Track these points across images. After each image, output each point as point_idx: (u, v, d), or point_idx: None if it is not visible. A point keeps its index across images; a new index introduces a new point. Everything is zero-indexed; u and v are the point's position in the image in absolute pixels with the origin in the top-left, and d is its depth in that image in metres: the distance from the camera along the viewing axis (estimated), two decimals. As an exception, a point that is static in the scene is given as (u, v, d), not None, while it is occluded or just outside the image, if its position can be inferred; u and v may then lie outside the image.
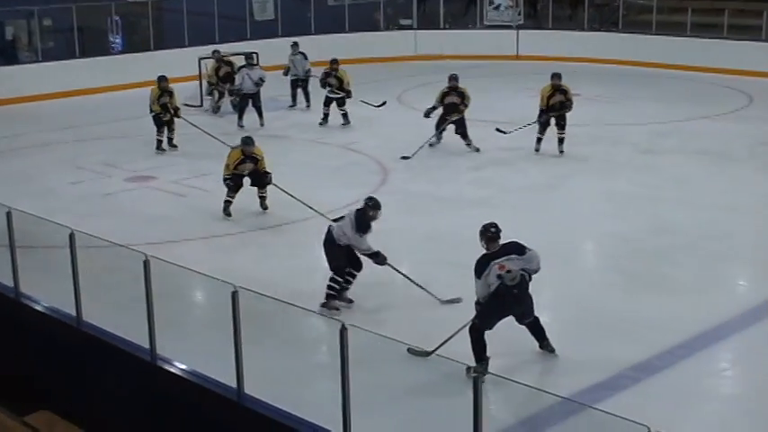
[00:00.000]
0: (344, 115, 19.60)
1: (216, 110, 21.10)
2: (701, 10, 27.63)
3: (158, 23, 26.43)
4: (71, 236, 8.79)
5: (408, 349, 8.52)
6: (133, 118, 20.61)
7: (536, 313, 8.98)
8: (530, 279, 8.79)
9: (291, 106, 21.56)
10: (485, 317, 8.67)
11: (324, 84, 19.72)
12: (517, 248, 8.79)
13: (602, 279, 10.38)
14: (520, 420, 7.45)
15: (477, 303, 8.78)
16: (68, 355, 9.35)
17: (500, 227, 8.91)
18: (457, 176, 15.75)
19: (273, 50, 22.35)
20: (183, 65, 22.59)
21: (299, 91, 21.53)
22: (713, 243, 12.37)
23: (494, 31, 28.88)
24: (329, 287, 10.29)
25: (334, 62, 19.78)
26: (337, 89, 19.55)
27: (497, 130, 17.16)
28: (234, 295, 7.37)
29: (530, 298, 8.82)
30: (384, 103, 19.77)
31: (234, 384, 7.60)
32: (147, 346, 8.38)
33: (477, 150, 17.14)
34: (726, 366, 9.39)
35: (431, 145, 17.34)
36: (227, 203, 13.73)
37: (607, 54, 27.27)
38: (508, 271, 8.61)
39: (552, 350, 9.04)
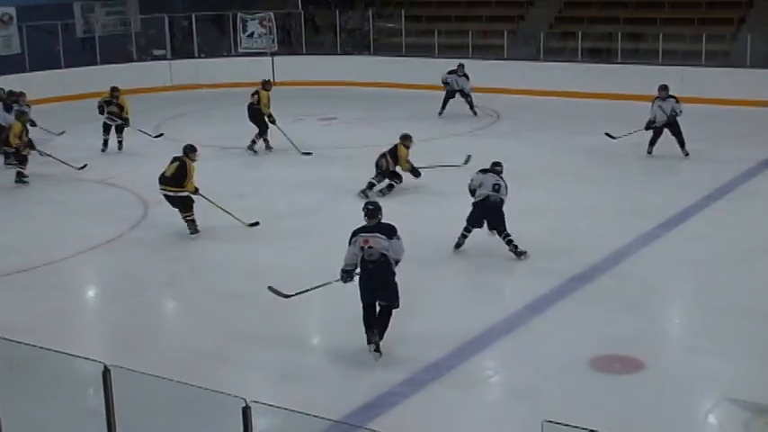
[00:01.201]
0: (120, 142, 19.83)
1: None
2: (448, 32, 28.83)
3: None
4: None
5: (269, 287, 10.27)
6: None
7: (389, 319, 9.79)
8: (395, 264, 9.67)
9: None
10: (360, 290, 9.75)
11: (102, 110, 19.72)
12: (387, 231, 9.66)
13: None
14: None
15: (343, 270, 9.88)
16: None
17: (378, 206, 9.92)
18: (223, 205, 15.60)
19: (21, 86, 21.45)
20: None
21: None
22: (472, 253, 12.89)
23: (249, 59, 28.97)
24: (512, 241, 12.48)
25: (115, 90, 19.87)
26: (116, 116, 19.66)
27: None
28: (-12, 345, 7.07)
29: (391, 283, 9.69)
30: (161, 135, 19.82)
31: (-6, 440, 7.26)
32: None
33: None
34: (491, 374, 9.77)
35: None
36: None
37: (361, 77, 27.94)
38: (370, 247, 9.56)
39: (378, 351, 9.65)
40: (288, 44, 30.59)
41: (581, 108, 23.90)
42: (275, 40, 29.44)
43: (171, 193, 13.98)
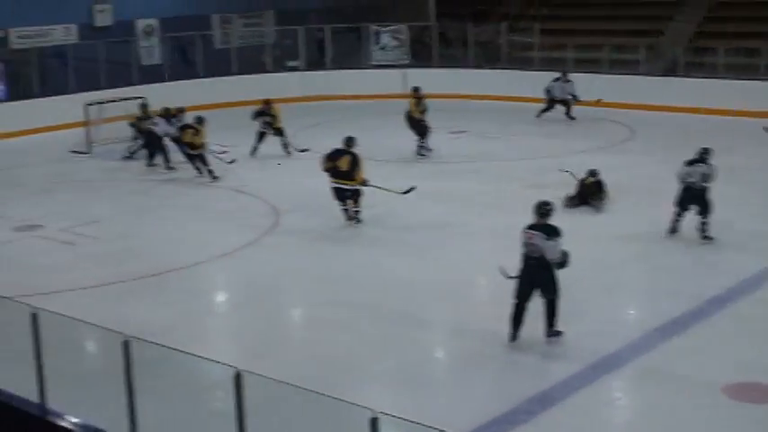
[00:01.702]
0: (285, 146, 20.66)
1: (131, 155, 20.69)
2: (582, 46, 28.41)
3: (43, 70, 25.87)
4: (-47, 289, 8.52)
5: (500, 267, 10.28)
6: (19, 166, 20.23)
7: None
8: (559, 266, 10.02)
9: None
10: (517, 283, 10.12)
11: (258, 117, 20.57)
12: (547, 231, 9.98)
13: (497, 312, 10.51)
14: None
15: None
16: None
17: (552, 208, 10.27)
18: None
19: (161, 95, 22.07)
20: (69, 112, 22.24)
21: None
22: (604, 274, 12.64)
23: (381, 71, 29.14)
24: (707, 226, 13.54)
25: (269, 101, 20.71)
26: (269, 125, 20.49)
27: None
28: (125, 345, 7.23)
29: (551, 279, 10.05)
30: (307, 149, 19.79)
31: (128, 436, 7.43)
32: (37, 400, 8.14)
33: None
34: (619, 396, 9.57)
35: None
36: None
37: (493, 90, 27.76)
38: (532, 243, 9.97)
39: (555, 334, 10.19)
40: (420, 57, 30.66)
41: (720, 125, 23.19)
42: (407, 53, 29.56)
43: (347, 186, 14.56)
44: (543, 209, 10.18)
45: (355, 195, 14.70)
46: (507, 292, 11.54)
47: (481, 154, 20.37)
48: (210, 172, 18.24)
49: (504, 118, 25.09)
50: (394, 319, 11.18)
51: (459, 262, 13.12)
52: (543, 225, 10.04)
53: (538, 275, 10.02)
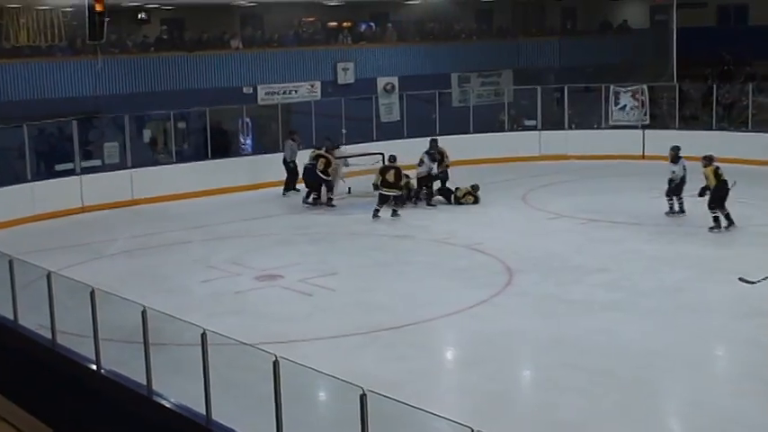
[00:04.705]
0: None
1: None
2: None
3: (287, 125, 26.99)
4: (203, 335, 8.93)
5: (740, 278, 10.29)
6: (262, 217, 21.11)
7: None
8: None
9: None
10: None
11: None
12: None
13: (735, 388, 10.04)
14: None
15: None
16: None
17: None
18: (585, 278, 15.47)
19: (397, 151, 22.56)
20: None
21: None
22: None
23: (619, 131, 28.64)
24: None
25: None
26: None
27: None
28: (362, 398, 7.36)
29: None
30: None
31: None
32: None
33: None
34: None
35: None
36: None
37: (737, 153, 26.67)
38: None
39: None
40: (660, 118, 29.96)
41: None
42: (647, 114, 28.96)
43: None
44: None
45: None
46: (746, 366, 11.09)
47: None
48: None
49: (750, 182, 23.99)
50: (627, 386, 10.87)
51: (693, 330, 12.65)
52: None
53: None
